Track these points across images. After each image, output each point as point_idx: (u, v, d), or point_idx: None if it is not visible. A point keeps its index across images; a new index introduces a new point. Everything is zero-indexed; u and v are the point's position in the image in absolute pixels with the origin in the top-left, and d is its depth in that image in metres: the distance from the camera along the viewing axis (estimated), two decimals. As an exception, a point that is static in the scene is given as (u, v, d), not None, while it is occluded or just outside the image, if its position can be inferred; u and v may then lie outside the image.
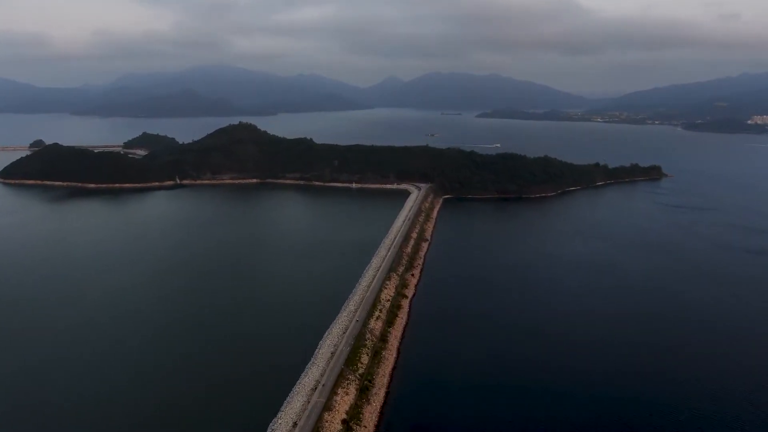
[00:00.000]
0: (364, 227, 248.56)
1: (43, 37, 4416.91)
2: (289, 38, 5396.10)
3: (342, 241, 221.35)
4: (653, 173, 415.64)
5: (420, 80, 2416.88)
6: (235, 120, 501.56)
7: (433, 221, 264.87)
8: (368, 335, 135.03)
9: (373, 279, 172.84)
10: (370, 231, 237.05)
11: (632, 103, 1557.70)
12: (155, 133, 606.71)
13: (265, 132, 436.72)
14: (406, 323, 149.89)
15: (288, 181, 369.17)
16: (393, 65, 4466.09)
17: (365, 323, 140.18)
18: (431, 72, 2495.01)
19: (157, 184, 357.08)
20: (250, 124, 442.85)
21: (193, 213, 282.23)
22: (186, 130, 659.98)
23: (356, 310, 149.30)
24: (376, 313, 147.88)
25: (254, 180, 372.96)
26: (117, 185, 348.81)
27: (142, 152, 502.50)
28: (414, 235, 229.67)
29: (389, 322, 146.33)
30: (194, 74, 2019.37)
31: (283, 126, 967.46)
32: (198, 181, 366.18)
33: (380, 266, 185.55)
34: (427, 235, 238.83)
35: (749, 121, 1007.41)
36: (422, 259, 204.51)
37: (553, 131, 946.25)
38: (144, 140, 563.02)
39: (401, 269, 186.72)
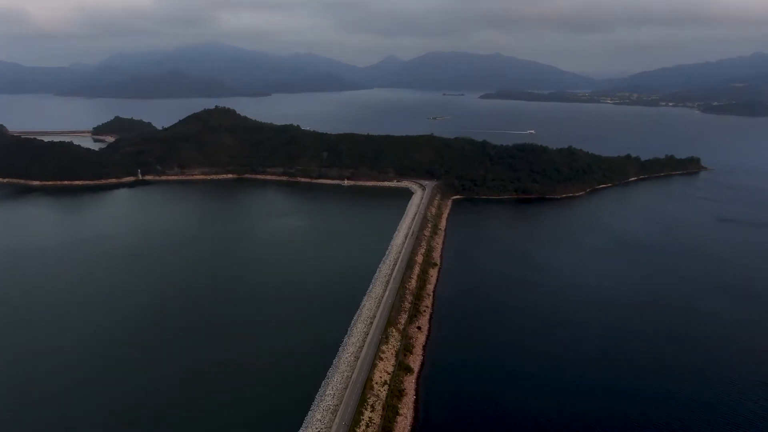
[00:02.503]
0: (356, 244, 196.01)
1: (18, 12, 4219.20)
2: (277, 12, 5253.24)
3: (324, 272, 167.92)
4: (691, 166, 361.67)
5: (420, 60, 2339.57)
6: (226, 101, 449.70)
7: (442, 234, 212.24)
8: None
9: (364, 342, 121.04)
10: (362, 251, 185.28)
11: (641, 83, 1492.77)
12: (131, 116, 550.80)
13: (245, 118, 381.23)
14: (413, 425, 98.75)
15: (269, 177, 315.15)
16: (392, 44, 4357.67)
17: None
18: (431, 51, 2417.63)
19: (114, 180, 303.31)
20: (229, 108, 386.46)
21: (145, 224, 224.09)
22: (171, 113, 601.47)
23: (337, 406, 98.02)
24: (366, 415, 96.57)
25: (230, 175, 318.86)
26: (66, 182, 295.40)
27: (111, 139, 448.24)
28: (419, 258, 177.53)
29: (386, 429, 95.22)
30: (186, 53, 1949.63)
31: (274, 108, 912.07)
32: (163, 177, 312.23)
33: (375, 317, 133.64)
34: (436, 256, 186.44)
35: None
36: (431, 298, 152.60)
37: (566, 113, 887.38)
38: (115, 125, 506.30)
39: (403, 319, 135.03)
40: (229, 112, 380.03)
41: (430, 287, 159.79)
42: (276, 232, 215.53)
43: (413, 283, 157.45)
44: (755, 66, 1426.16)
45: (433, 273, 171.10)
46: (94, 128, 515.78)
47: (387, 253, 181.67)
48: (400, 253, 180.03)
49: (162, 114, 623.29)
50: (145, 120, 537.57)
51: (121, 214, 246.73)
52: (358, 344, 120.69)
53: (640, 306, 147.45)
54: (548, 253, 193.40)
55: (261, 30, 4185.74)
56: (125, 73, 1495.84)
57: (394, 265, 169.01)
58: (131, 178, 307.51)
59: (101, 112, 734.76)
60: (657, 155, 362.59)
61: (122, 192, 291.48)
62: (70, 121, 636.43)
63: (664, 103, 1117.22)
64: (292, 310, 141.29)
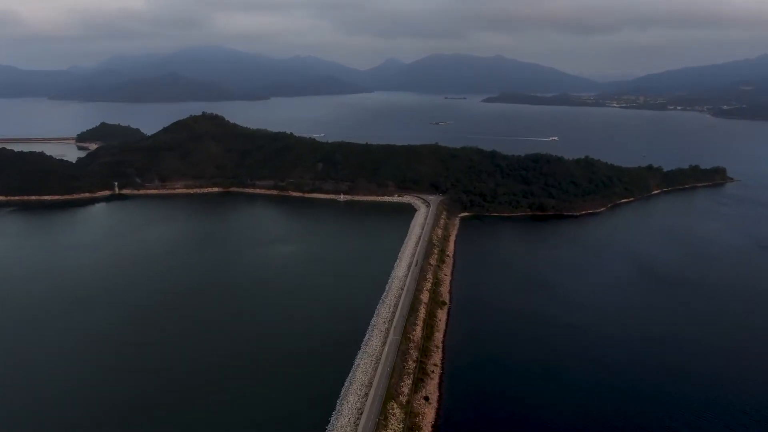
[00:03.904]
0: (350, 279, 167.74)
1: (12, 14, 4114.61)
2: (276, 13, 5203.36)
3: (311, 321, 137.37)
4: (716, 177, 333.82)
5: (421, 63, 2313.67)
6: (224, 104, 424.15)
7: (450, 263, 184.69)
8: None
9: (357, 427, 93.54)
10: (357, 289, 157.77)
11: (646, 86, 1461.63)
12: (124, 121, 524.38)
13: (234, 125, 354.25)
14: None
15: (258, 191, 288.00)
16: (392, 46, 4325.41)
17: None
18: (433, 54, 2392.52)
19: (88, 195, 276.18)
20: (217, 115, 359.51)
21: (110, 257, 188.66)
22: (165, 118, 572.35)
23: None
24: None
25: (215, 189, 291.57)
26: (34, 197, 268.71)
27: (95, 146, 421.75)
28: (425, 295, 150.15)
29: None
30: (184, 56, 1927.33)
31: (272, 112, 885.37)
32: (142, 191, 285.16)
33: (371, 384, 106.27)
34: (444, 292, 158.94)
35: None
36: (440, 352, 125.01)
37: (574, 118, 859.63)
38: (101, 132, 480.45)
39: (407, 386, 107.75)
40: (217, 119, 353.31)
41: (438, 336, 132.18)
42: (257, 266, 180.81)
43: (418, 331, 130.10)
44: (761, 68, 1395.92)
45: (442, 315, 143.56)
46: (78, 135, 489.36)
47: (387, 289, 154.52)
48: (402, 289, 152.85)
49: (157, 119, 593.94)
50: (135, 126, 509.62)
51: (84, 241, 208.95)
52: (348, 430, 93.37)
53: (679, 352, 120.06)
54: (571, 284, 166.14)
55: (260, 32, 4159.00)
56: (123, 76, 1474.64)
57: (396, 305, 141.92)
58: (107, 192, 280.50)
59: (92, 116, 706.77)
60: (677, 163, 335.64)
61: (95, 209, 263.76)
62: (58, 126, 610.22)
63: (672, 107, 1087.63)
64: (268, 378, 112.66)
